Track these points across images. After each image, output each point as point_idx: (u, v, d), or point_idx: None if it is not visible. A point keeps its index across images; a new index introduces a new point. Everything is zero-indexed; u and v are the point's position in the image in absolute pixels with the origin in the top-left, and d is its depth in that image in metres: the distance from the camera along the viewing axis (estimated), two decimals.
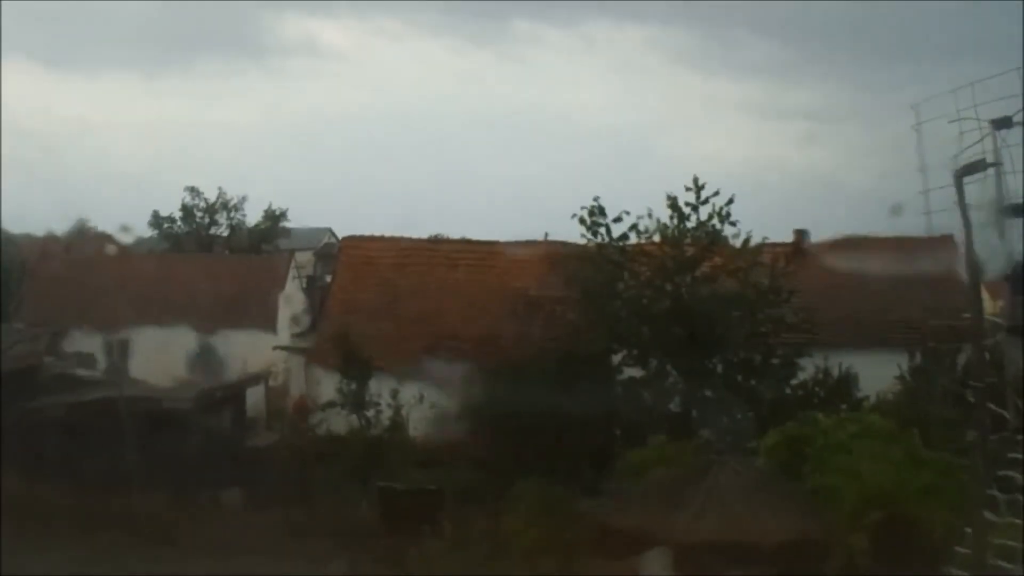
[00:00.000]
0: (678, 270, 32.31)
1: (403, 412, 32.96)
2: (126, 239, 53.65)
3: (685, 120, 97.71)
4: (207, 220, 64.37)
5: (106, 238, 52.87)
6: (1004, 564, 15.56)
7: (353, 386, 32.71)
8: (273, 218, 64.39)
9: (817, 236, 40.85)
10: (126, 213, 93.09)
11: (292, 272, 51.95)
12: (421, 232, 45.67)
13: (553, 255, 36.30)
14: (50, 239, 57.13)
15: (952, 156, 16.29)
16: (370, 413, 32.72)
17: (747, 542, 21.10)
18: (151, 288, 46.52)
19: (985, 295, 19.57)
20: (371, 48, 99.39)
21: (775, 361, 32.12)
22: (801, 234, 40.67)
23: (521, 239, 40.72)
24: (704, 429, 30.34)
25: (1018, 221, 16.25)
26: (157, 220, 63.10)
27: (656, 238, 32.72)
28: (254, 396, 38.32)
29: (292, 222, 65.03)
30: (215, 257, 59.36)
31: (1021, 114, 15.67)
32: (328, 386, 34.27)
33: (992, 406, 16.01)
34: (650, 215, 32.47)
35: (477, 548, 24.12)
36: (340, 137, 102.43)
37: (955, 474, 20.99)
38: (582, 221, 33.04)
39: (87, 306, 44.00)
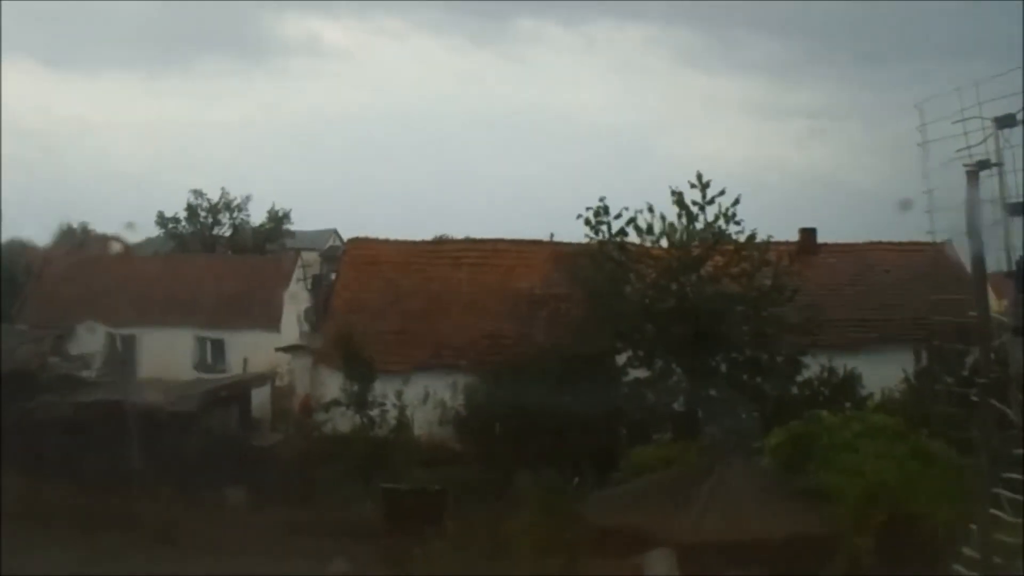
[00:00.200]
0: (683, 270, 32.26)
1: (407, 412, 33.01)
2: (131, 238, 53.74)
3: (687, 120, 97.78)
4: (210, 220, 64.44)
5: (111, 238, 52.90)
6: (1008, 563, 15.53)
7: (356, 386, 32.73)
8: (277, 219, 64.45)
9: (819, 235, 41.01)
10: (128, 214, 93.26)
11: (297, 272, 51.98)
12: (423, 232, 45.87)
13: (558, 255, 36.32)
14: (54, 240, 57.35)
15: (956, 154, 16.25)
16: (374, 413, 32.75)
17: (752, 541, 21.04)
18: (156, 289, 46.64)
19: (991, 294, 19.52)
20: (373, 48, 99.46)
21: (779, 360, 32.08)
22: (808, 233, 40.71)
23: (525, 239, 40.77)
24: (709, 428, 30.30)
25: (1019, 220, 16.22)
26: (162, 220, 63.23)
27: (663, 242, 32.66)
28: (260, 396, 38.33)
29: (295, 223, 65.22)
30: (219, 257, 59.41)
31: (1022, 113, 15.64)
32: (333, 386, 34.30)
33: (996, 404, 15.97)
34: (651, 210, 32.43)
35: (481, 548, 24.08)
36: (341, 137, 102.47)
37: (960, 473, 20.95)
38: (587, 221, 33.02)
39: (92, 307, 44.03)
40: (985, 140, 15.95)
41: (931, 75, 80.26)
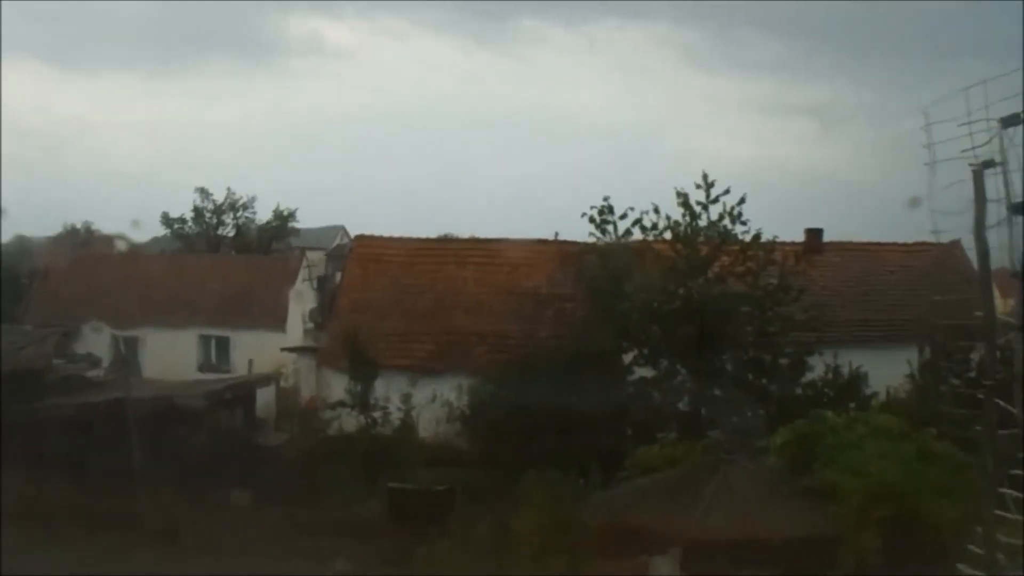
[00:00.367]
0: (690, 271, 32.22)
1: (412, 411, 33.04)
2: (136, 238, 53.81)
3: (690, 119, 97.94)
4: (215, 221, 64.51)
5: (116, 237, 52.98)
6: (1013, 563, 15.51)
7: (361, 387, 32.78)
8: (282, 218, 64.49)
9: (823, 234, 41.03)
10: (130, 214, 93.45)
11: (303, 271, 52.00)
12: (428, 231, 45.86)
13: (563, 254, 36.34)
14: (58, 240, 57.41)
15: (962, 154, 16.22)
16: (377, 414, 32.78)
17: (756, 541, 21.03)
18: (160, 288, 46.69)
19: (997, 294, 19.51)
20: (376, 47, 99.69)
21: (785, 360, 32.06)
22: (815, 233, 40.72)
23: (530, 238, 40.81)
24: (714, 428, 30.29)
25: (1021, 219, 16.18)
26: (168, 220, 63.30)
27: (667, 235, 32.62)
28: (265, 396, 38.37)
29: (301, 222, 65.32)
30: (224, 257, 59.48)
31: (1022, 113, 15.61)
32: (338, 386, 34.33)
33: (1001, 403, 15.95)
34: (656, 211, 32.43)
35: (485, 548, 24.09)
36: (345, 137, 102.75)
37: (965, 472, 20.93)
38: (592, 220, 33.05)
39: (97, 307, 44.08)
40: (991, 140, 15.92)
41: (936, 74, 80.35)
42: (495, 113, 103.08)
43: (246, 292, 47.52)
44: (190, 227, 64.25)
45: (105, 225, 60.20)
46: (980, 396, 16.66)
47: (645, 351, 32.35)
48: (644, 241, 32.90)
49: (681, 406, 32.11)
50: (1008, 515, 15.64)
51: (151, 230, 61.56)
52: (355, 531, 26.63)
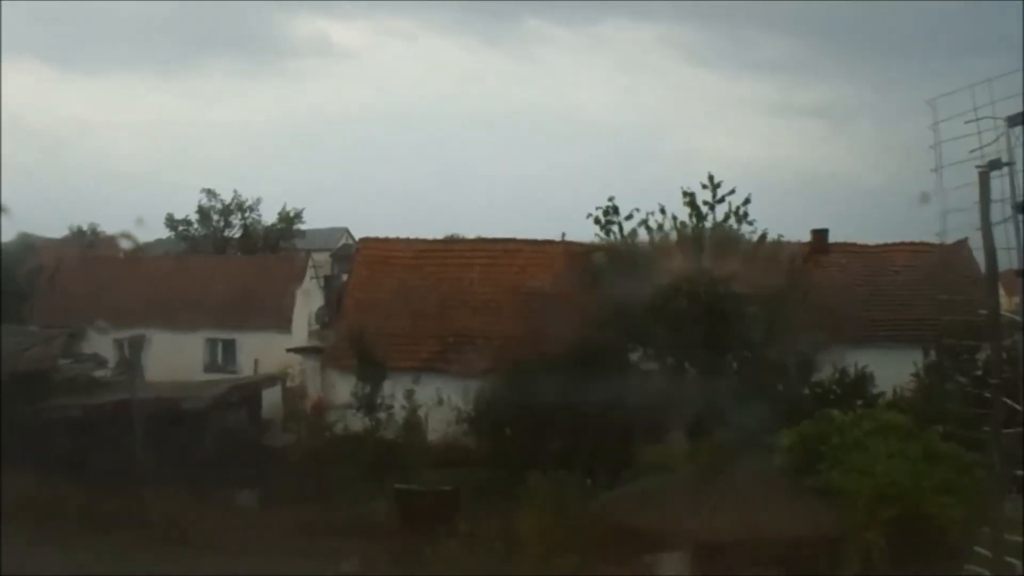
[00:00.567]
0: (696, 271, 32.16)
1: (419, 412, 33.06)
2: (141, 237, 53.72)
3: (696, 119, 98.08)
4: (222, 222, 64.44)
5: (122, 236, 52.94)
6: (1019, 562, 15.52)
7: (367, 388, 32.79)
8: (288, 219, 64.41)
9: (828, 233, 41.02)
10: (134, 214, 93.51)
11: (309, 272, 52.01)
12: (434, 231, 45.88)
13: (569, 254, 36.33)
14: (64, 240, 57.44)
15: (969, 153, 16.23)
16: (383, 415, 32.79)
17: (763, 541, 21.05)
18: (166, 289, 46.72)
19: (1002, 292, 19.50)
20: (382, 48, 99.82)
21: (792, 359, 32.01)
22: (821, 233, 40.68)
23: (536, 238, 40.83)
24: (720, 427, 30.25)
25: None
26: (171, 222, 63.22)
27: (673, 236, 32.58)
28: (271, 397, 38.39)
29: (307, 223, 65.23)
30: (230, 258, 59.39)
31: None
32: (344, 387, 34.35)
33: (1008, 402, 15.97)
34: (663, 212, 32.38)
35: (492, 548, 24.11)
36: (352, 137, 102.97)
37: (972, 471, 20.92)
38: (597, 221, 33.02)
39: (103, 308, 44.10)
40: (998, 139, 15.93)
41: (942, 73, 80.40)
42: (500, 113, 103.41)
43: (252, 293, 47.51)
44: (195, 228, 64.14)
45: (107, 225, 60.43)
46: (986, 395, 16.68)
47: (652, 350, 32.30)
48: (650, 242, 32.83)
49: (688, 405, 32.04)
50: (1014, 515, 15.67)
51: (154, 231, 61.60)
52: (362, 532, 26.65)
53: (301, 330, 47.44)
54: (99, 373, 38.34)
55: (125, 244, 51.26)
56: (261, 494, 30.77)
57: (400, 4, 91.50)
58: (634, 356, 32.56)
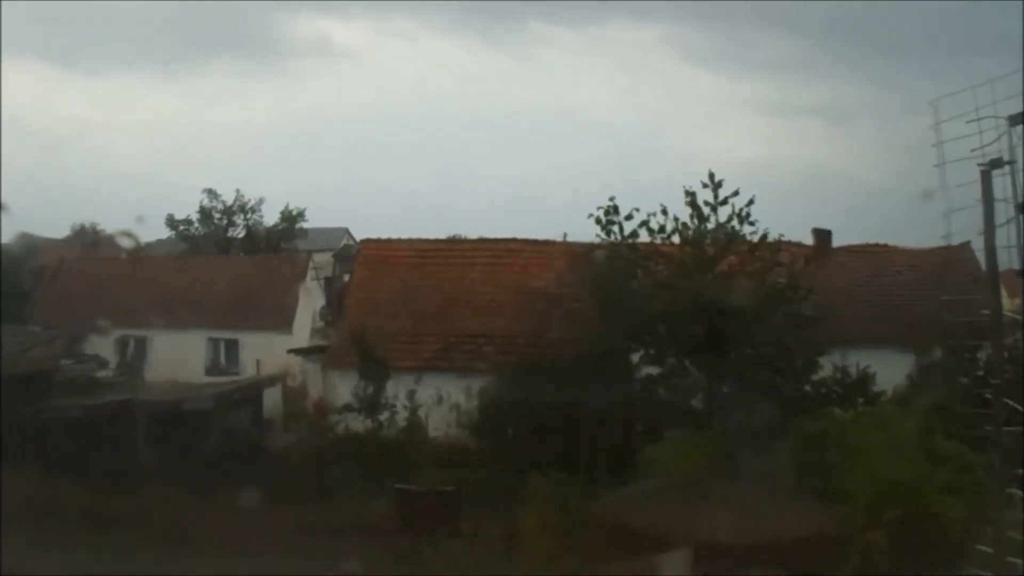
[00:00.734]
0: (697, 269, 32.12)
1: (421, 412, 33.03)
2: (142, 237, 53.70)
3: (697, 119, 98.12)
4: (225, 222, 64.42)
5: (124, 235, 52.91)
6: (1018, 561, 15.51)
7: (369, 389, 32.75)
8: (290, 219, 64.39)
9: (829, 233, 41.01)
10: (134, 214, 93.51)
11: (310, 273, 52.01)
12: (435, 231, 45.85)
13: (571, 254, 36.30)
14: (67, 241, 57.41)
15: (971, 153, 16.22)
16: (384, 416, 32.75)
17: (765, 541, 21.02)
18: (168, 290, 46.69)
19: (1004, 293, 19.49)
20: (384, 48, 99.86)
21: (794, 359, 31.96)
22: (822, 234, 40.64)
23: (538, 238, 40.84)
24: (722, 427, 30.23)
25: None
26: (173, 222, 63.20)
27: (675, 238, 32.52)
28: (272, 397, 38.37)
29: (308, 223, 65.19)
30: (232, 258, 59.40)
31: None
32: (345, 387, 34.30)
33: (1009, 402, 15.96)
34: (664, 212, 32.31)
35: (494, 548, 24.11)
36: (353, 137, 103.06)
37: (973, 470, 20.90)
38: (598, 221, 32.96)
39: (104, 308, 44.08)
40: (999, 138, 15.92)
41: (942, 73, 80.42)
42: (500, 113, 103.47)
43: (253, 293, 47.52)
44: (196, 229, 64.13)
45: (108, 226, 60.41)
46: (988, 395, 16.67)
47: (653, 350, 32.26)
48: (651, 243, 32.79)
49: (690, 405, 32.02)
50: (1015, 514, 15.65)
51: (155, 231, 61.60)
52: (363, 532, 26.63)
53: (302, 330, 47.41)
54: (100, 373, 38.33)
55: (127, 243, 51.13)
56: (262, 494, 30.73)
57: (400, 4, 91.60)
58: (635, 356, 32.52)
